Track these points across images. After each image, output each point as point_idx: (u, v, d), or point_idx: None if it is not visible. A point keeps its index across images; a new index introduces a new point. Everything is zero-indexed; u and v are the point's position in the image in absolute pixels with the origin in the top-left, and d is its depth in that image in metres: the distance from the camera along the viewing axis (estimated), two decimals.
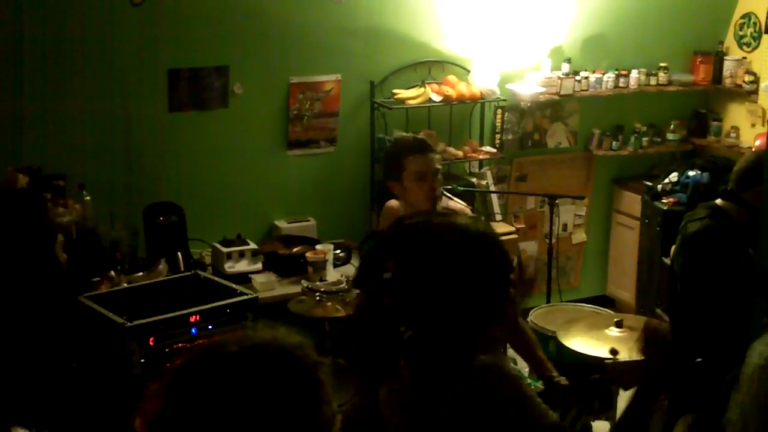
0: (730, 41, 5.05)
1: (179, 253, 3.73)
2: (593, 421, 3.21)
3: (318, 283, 3.63)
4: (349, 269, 3.98)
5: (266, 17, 4.11)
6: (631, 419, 1.85)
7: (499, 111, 4.72)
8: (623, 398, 3.25)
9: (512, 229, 4.57)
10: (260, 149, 4.28)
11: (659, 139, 5.10)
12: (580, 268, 5.19)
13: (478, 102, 4.52)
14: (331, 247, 4.01)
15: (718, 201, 2.91)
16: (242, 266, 3.83)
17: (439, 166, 2.82)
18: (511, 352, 2.92)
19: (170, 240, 3.77)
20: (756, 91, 4.81)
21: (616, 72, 4.87)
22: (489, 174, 4.66)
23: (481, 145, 4.61)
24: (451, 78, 4.45)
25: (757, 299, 2.12)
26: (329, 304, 3.45)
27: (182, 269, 3.67)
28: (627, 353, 2.21)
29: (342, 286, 3.54)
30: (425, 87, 4.36)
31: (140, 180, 4.01)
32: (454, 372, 1.56)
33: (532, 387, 2.79)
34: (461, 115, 4.61)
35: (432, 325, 1.53)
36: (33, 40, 3.73)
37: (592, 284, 5.22)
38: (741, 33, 4.99)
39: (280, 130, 4.30)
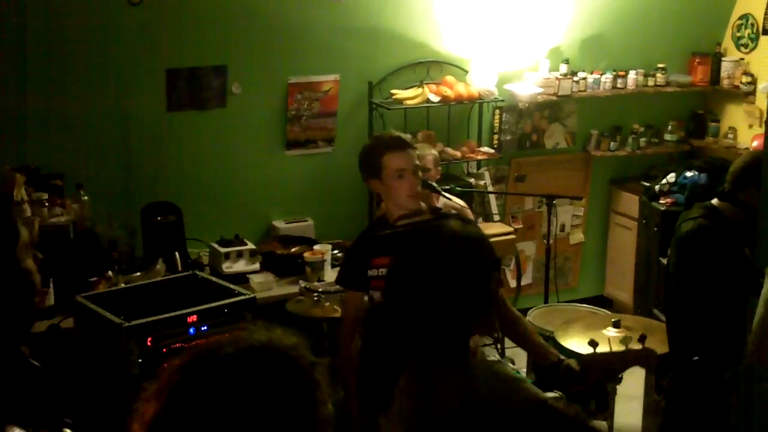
0: (727, 42, 5.06)
1: (177, 253, 3.73)
2: (591, 420, 3.21)
3: (316, 283, 3.64)
4: None
5: (265, 17, 4.11)
6: None
7: (498, 111, 4.73)
8: (620, 399, 3.27)
9: (510, 229, 4.57)
10: (258, 149, 4.28)
11: (657, 140, 5.11)
12: (578, 268, 5.19)
13: (476, 102, 4.52)
14: (329, 247, 4.01)
15: (714, 201, 2.92)
16: (240, 266, 3.83)
17: (418, 162, 2.78)
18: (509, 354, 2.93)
19: (168, 240, 3.77)
20: (754, 92, 4.82)
21: (614, 73, 4.87)
22: (487, 174, 4.67)
23: (480, 145, 4.61)
24: (450, 78, 4.46)
25: (753, 299, 2.13)
26: (327, 304, 3.46)
27: (180, 269, 3.67)
28: (606, 346, 2.23)
29: (339, 286, 3.54)
30: (423, 87, 4.37)
31: (138, 180, 4.01)
32: (457, 368, 1.62)
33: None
34: (459, 115, 4.62)
35: (428, 319, 1.64)
36: (34, 40, 3.73)
37: (589, 285, 5.23)
38: (739, 34, 4.99)
39: (279, 130, 4.30)
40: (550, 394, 2.99)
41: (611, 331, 3.19)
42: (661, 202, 4.68)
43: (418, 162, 2.79)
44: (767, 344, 2.06)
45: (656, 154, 5.13)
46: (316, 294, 3.50)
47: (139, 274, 3.62)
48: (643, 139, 5.05)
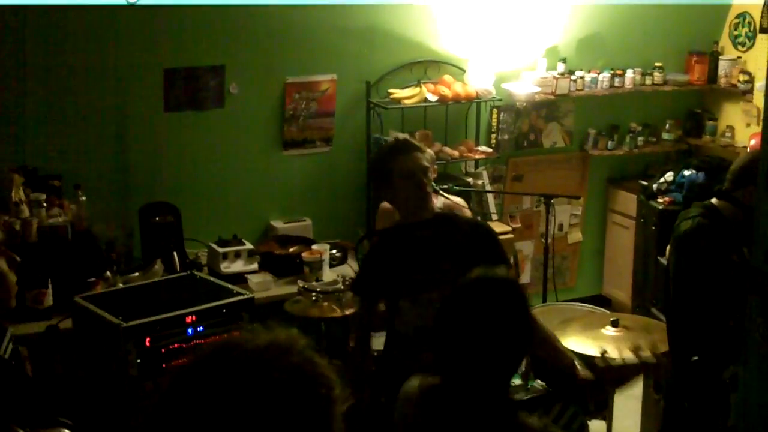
0: (725, 41, 5.07)
1: (175, 254, 3.73)
2: (589, 420, 3.22)
3: (314, 283, 3.64)
4: (346, 269, 3.98)
5: (262, 17, 4.11)
6: None
7: (495, 111, 4.73)
8: (619, 398, 3.27)
9: (508, 228, 4.57)
10: (256, 149, 4.28)
11: (654, 139, 5.12)
12: (576, 267, 5.20)
13: (473, 102, 4.52)
14: (327, 247, 4.01)
15: (713, 200, 2.93)
16: (238, 266, 3.83)
17: (427, 164, 2.78)
18: None
19: (166, 240, 3.77)
20: (751, 91, 4.83)
21: (612, 72, 4.87)
22: (485, 174, 4.67)
23: (477, 145, 4.61)
24: (447, 78, 4.46)
25: (751, 298, 2.13)
26: (325, 304, 3.46)
27: (178, 269, 3.67)
28: (617, 354, 2.22)
29: (338, 286, 3.55)
30: (421, 87, 4.37)
31: (136, 180, 4.01)
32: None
33: (536, 385, 2.80)
34: (457, 114, 4.62)
35: (469, 373, 1.68)
36: (32, 41, 3.73)
37: (587, 284, 5.23)
38: (736, 33, 5.00)
39: (276, 130, 4.30)
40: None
41: (609, 331, 3.20)
42: (658, 200, 4.69)
43: (426, 164, 2.74)
44: None
45: (654, 153, 5.13)
46: (314, 294, 3.50)
47: (137, 274, 3.61)
48: (640, 138, 5.06)
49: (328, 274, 3.86)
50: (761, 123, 5.00)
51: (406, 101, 4.35)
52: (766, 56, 4.48)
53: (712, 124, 5.09)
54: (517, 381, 2.68)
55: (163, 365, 2.91)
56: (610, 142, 5.01)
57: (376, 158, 2.84)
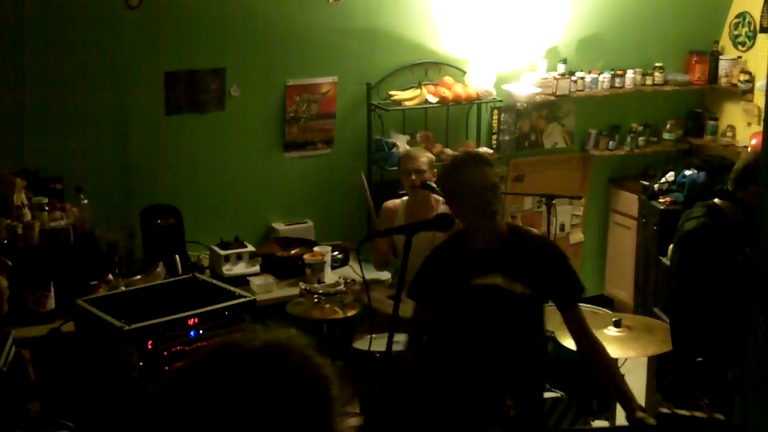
0: (725, 41, 5.07)
1: (177, 256, 3.73)
2: (593, 420, 3.22)
3: (316, 285, 3.64)
4: (347, 271, 3.98)
5: (263, 19, 4.12)
6: None
7: (496, 112, 4.73)
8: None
9: None
10: (257, 151, 4.28)
11: (655, 139, 5.11)
12: (577, 268, 5.17)
13: (474, 103, 4.52)
14: (329, 248, 4.01)
15: (716, 200, 2.93)
16: (240, 269, 3.83)
17: (497, 180, 2.56)
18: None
19: (168, 243, 3.77)
20: (751, 90, 4.82)
21: (612, 72, 4.87)
22: None
23: (478, 145, 4.61)
24: (448, 79, 4.46)
25: (754, 298, 2.12)
26: (327, 306, 3.46)
27: (180, 272, 3.67)
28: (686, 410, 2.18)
29: (340, 287, 3.55)
30: (422, 88, 4.37)
31: (137, 183, 4.01)
32: None
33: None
34: (458, 116, 4.62)
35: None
36: (33, 44, 3.73)
37: (589, 284, 5.18)
38: (736, 32, 5.00)
39: (277, 132, 4.30)
40: (553, 394, 3.02)
41: (612, 331, 3.20)
42: (660, 200, 4.69)
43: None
44: None
45: (655, 153, 5.13)
46: (316, 296, 3.50)
47: (139, 277, 3.62)
48: (641, 138, 5.05)
49: (330, 276, 3.87)
50: (762, 122, 5.02)
51: (407, 103, 4.35)
52: (767, 56, 4.49)
53: (713, 124, 5.08)
54: None
55: (166, 368, 2.92)
56: (611, 143, 5.01)
57: (444, 171, 2.70)
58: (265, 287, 3.76)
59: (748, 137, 4.80)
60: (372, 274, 3.87)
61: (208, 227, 4.06)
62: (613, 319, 3.23)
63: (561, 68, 4.76)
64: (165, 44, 3.96)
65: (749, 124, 4.89)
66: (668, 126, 5.12)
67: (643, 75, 4.94)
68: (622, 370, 3.20)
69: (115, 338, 2.90)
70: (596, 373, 2.49)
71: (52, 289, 3.40)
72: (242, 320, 3.12)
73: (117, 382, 2.92)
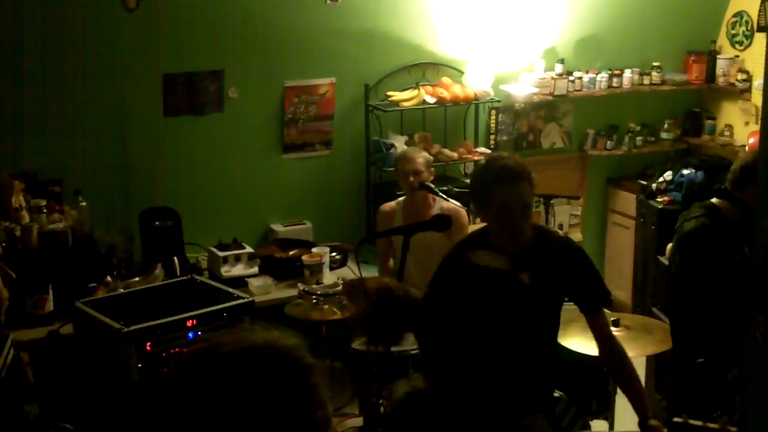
0: (722, 40, 5.07)
1: (175, 258, 3.73)
2: (592, 420, 3.22)
3: (314, 286, 3.64)
4: (346, 272, 3.98)
5: (261, 21, 4.12)
6: None
7: (494, 112, 4.73)
8: (621, 399, 3.27)
9: None
10: (256, 153, 4.29)
11: (653, 139, 5.12)
12: None
13: (472, 103, 4.53)
14: (328, 250, 4.01)
15: (714, 200, 2.93)
16: (238, 270, 3.83)
17: (530, 200, 2.47)
18: None
19: (166, 245, 3.77)
20: (749, 90, 4.83)
21: (610, 72, 4.88)
22: None
23: (476, 146, 4.62)
24: (446, 80, 4.46)
25: (753, 297, 2.13)
26: (326, 307, 3.46)
27: (178, 274, 3.67)
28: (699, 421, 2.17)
29: (338, 288, 3.55)
30: (419, 89, 4.37)
31: (136, 185, 4.01)
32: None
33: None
34: (456, 116, 4.62)
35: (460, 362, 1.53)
36: (31, 46, 3.74)
37: None
38: (733, 32, 5.00)
39: (276, 134, 4.30)
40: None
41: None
42: (658, 200, 4.69)
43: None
44: None
45: (652, 153, 5.13)
46: (314, 297, 3.50)
47: (137, 279, 3.61)
48: (639, 138, 5.06)
49: (329, 277, 3.87)
50: (760, 121, 5.00)
51: (405, 103, 4.35)
52: (764, 54, 4.48)
53: (711, 123, 5.09)
54: None
55: (165, 370, 2.92)
56: (608, 142, 5.02)
57: (476, 178, 2.54)
58: (263, 288, 3.76)
59: (745, 136, 4.81)
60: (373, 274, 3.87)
61: (206, 229, 4.06)
62: (612, 319, 3.22)
63: (559, 68, 4.76)
64: (163, 46, 3.96)
65: (747, 124, 4.90)
66: (666, 125, 5.12)
67: (641, 75, 4.94)
68: None
69: (113, 340, 2.90)
70: (616, 379, 2.49)
71: (51, 291, 3.40)
72: (241, 321, 3.12)
73: (116, 384, 2.92)
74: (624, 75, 4.89)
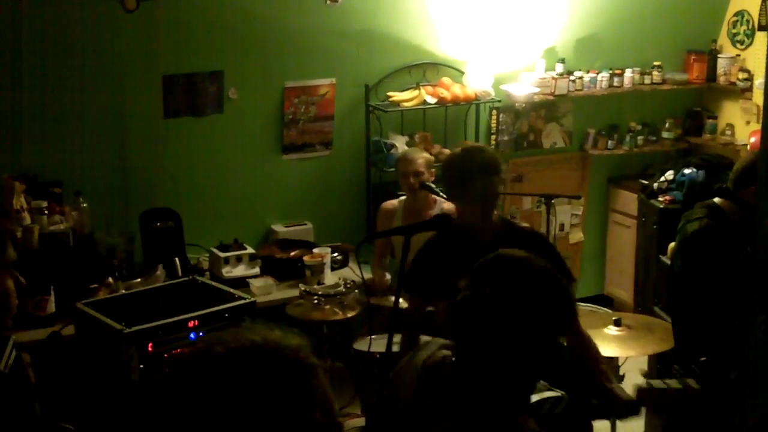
0: (723, 39, 5.07)
1: (176, 259, 3.73)
2: (593, 420, 3.21)
3: (316, 286, 3.64)
4: (347, 272, 3.98)
5: (260, 22, 4.12)
6: None
7: (494, 112, 4.73)
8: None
9: None
10: (256, 154, 4.29)
11: (654, 138, 5.12)
12: (577, 267, 5.19)
13: (472, 103, 4.52)
14: (329, 250, 4.01)
15: (715, 200, 2.92)
16: (240, 271, 3.83)
17: (500, 192, 2.75)
18: None
19: (167, 246, 3.77)
20: (750, 89, 4.82)
21: (610, 71, 4.88)
22: None
23: None
24: (446, 80, 4.46)
25: (754, 296, 2.12)
26: (327, 307, 3.46)
27: (180, 274, 3.67)
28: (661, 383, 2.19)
29: (340, 289, 3.55)
30: (420, 89, 4.37)
31: (136, 186, 4.01)
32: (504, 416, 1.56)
33: (539, 385, 2.78)
34: (456, 116, 4.62)
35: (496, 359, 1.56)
36: (30, 48, 3.74)
37: (589, 283, 5.23)
38: (734, 31, 5.00)
39: (276, 135, 4.30)
40: (553, 393, 3.01)
41: (612, 330, 3.19)
42: (659, 199, 4.69)
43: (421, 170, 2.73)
44: None
45: (653, 152, 5.13)
46: (315, 297, 3.50)
47: (138, 280, 3.62)
48: (640, 137, 5.06)
49: (330, 277, 3.87)
50: (761, 121, 4.99)
51: (405, 104, 4.35)
52: (765, 54, 4.48)
53: (712, 123, 5.08)
54: None
55: (165, 370, 2.91)
56: (609, 142, 5.02)
57: (455, 165, 2.70)
58: (264, 289, 3.76)
59: (747, 136, 4.80)
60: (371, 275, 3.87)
61: (207, 230, 4.07)
62: (613, 318, 3.22)
63: (559, 68, 4.76)
64: (162, 47, 3.96)
65: (748, 123, 4.89)
66: (667, 125, 5.12)
67: (642, 74, 4.94)
68: (623, 370, 3.22)
69: (115, 341, 2.90)
70: (582, 365, 2.52)
71: (52, 292, 3.40)
72: (242, 322, 3.12)
73: (117, 385, 2.92)
74: (625, 74, 4.89)
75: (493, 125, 4.77)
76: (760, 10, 4.78)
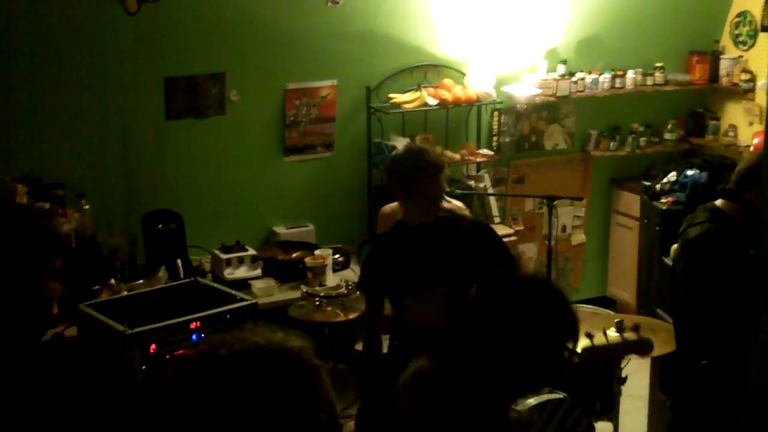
0: (726, 40, 5.06)
1: (178, 261, 3.73)
2: (596, 422, 3.21)
3: (317, 288, 3.64)
4: (349, 274, 3.98)
5: (261, 24, 4.12)
6: None
7: (496, 113, 4.73)
8: (625, 399, 3.26)
9: (511, 231, 4.57)
10: (257, 155, 4.29)
11: (657, 139, 5.11)
12: (579, 269, 5.19)
13: (474, 105, 4.52)
14: (330, 251, 4.01)
15: (717, 202, 2.91)
16: (242, 272, 3.83)
17: (445, 185, 2.91)
18: None
19: (169, 247, 3.78)
20: (753, 90, 4.82)
21: (612, 72, 4.87)
22: (487, 177, 4.67)
23: (478, 148, 4.61)
24: (447, 81, 4.46)
25: (758, 298, 2.12)
26: (329, 308, 3.46)
27: (182, 276, 3.67)
28: (602, 337, 2.28)
29: (341, 290, 3.55)
30: (421, 91, 4.37)
31: (138, 188, 4.02)
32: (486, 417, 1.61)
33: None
34: (458, 118, 4.62)
35: (486, 367, 1.60)
36: (31, 50, 3.74)
37: (592, 285, 5.22)
38: (737, 32, 4.99)
39: (277, 136, 4.31)
40: (555, 395, 3.01)
41: (614, 332, 3.18)
42: (662, 201, 4.68)
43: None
44: None
45: (656, 153, 5.12)
46: (317, 299, 3.50)
47: (141, 281, 3.62)
48: (642, 139, 5.05)
49: (332, 279, 3.87)
50: (764, 121, 5.00)
51: (407, 105, 4.35)
52: None
53: (715, 124, 5.08)
54: None
55: (168, 372, 2.91)
56: (611, 143, 5.01)
57: (401, 166, 2.79)
58: (266, 291, 3.76)
59: (749, 137, 4.80)
60: None
61: (209, 231, 4.07)
62: (616, 320, 3.22)
63: (561, 69, 4.76)
64: (164, 49, 3.96)
65: (751, 124, 4.89)
66: (669, 126, 5.11)
67: (644, 75, 4.93)
68: (626, 371, 3.21)
69: (117, 343, 2.90)
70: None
71: None
72: (244, 323, 3.12)
73: (120, 387, 2.92)
74: (627, 75, 4.89)
75: (495, 127, 4.76)
76: (763, 10, 4.77)
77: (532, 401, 2.83)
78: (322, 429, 1.01)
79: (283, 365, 1.01)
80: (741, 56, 4.95)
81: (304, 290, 3.61)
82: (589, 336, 2.28)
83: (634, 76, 4.90)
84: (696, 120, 5.15)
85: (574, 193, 4.73)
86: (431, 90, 4.40)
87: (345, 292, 3.53)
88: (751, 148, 4.60)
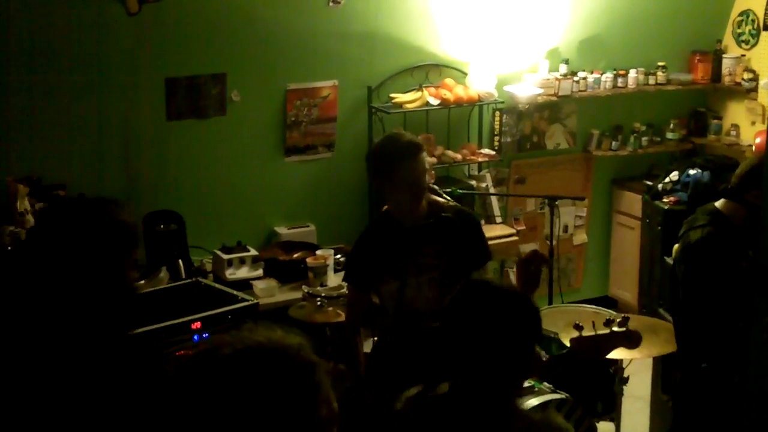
0: (728, 39, 5.05)
1: (180, 261, 3.73)
2: (598, 422, 3.20)
3: (319, 288, 3.64)
4: None
5: (262, 24, 4.12)
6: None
7: (497, 113, 4.72)
8: (627, 399, 3.26)
9: (512, 231, 4.56)
10: (258, 156, 4.29)
11: (659, 139, 5.10)
12: (581, 269, 5.18)
13: (475, 105, 4.52)
14: (332, 252, 4.01)
15: (717, 203, 2.90)
16: (243, 273, 3.84)
17: (428, 166, 2.90)
18: None
19: (170, 248, 3.78)
20: (755, 89, 4.81)
21: (614, 72, 4.86)
22: (488, 177, 4.66)
23: (480, 147, 4.61)
24: (449, 81, 4.45)
25: (759, 299, 2.11)
26: (330, 309, 3.46)
27: (183, 277, 3.68)
28: (591, 329, 2.29)
29: (343, 291, 3.54)
30: (423, 91, 4.37)
31: (139, 188, 4.02)
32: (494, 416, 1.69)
33: (543, 387, 2.81)
34: (459, 118, 4.61)
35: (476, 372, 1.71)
36: (31, 51, 3.74)
37: (593, 285, 5.21)
38: (739, 31, 4.98)
39: (278, 137, 4.30)
40: (557, 396, 3.02)
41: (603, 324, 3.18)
42: (664, 200, 4.68)
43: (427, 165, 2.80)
44: None
45: (658, 153, 5.11)
46: (318, 299, 3.50)
47: (142, 282, 3.62)
48: (644, 138, 5.04)
49: (333, 279, 3.87)
50: (766, 121, 4.99)
51: (408, 105, 4.35)
52: None
53: (717, 123, 5.07)
54: (526, 383, 2.68)
55: (169, 372, 2.91)
56: (613, 143, 5.00)
57: (380, 154, 2.74)
58: (268, 291, 3.76)
59: (752, 136, 4.78)
60: None
61: (210, 232, 4.07)
62: (617, 320, 3.21)
63: (563, 69, 4.75)
64: (165, 50, 3.96)
65: (753, 123, 4.88)
66: (671, 126, 5.10)
67: (646, 75, 4.92)
68: (627, 371, 3.20)
69: None
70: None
71: None
72: (244, 324, 3.12)
73: (120, 387, 2.92)
74: (629, 75, 4.88)
75: (497, 126, 4.76)
76: (766, 9, 4.77)
77: (534, 401, 2.83)
78: (323, 424, 1.02)
79: (284, 362, 1.02)
80: (743, 55, 4.94)
81: (306, 291, 3.61)
82: (578, 327, 2.30)
83: (636, 75, 4.89)
84: (698, 119, 5.14)
85: (575, 193, 4.72)
86: (433, 90, 4.40)
87: (346, 292, 3.53)
88: (754, 148, 4.60)
